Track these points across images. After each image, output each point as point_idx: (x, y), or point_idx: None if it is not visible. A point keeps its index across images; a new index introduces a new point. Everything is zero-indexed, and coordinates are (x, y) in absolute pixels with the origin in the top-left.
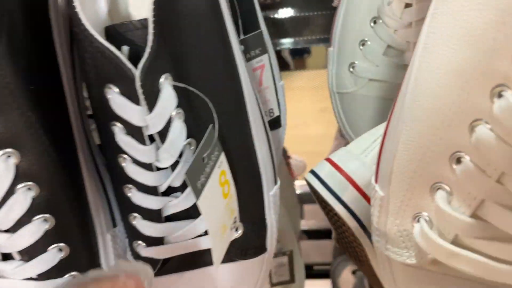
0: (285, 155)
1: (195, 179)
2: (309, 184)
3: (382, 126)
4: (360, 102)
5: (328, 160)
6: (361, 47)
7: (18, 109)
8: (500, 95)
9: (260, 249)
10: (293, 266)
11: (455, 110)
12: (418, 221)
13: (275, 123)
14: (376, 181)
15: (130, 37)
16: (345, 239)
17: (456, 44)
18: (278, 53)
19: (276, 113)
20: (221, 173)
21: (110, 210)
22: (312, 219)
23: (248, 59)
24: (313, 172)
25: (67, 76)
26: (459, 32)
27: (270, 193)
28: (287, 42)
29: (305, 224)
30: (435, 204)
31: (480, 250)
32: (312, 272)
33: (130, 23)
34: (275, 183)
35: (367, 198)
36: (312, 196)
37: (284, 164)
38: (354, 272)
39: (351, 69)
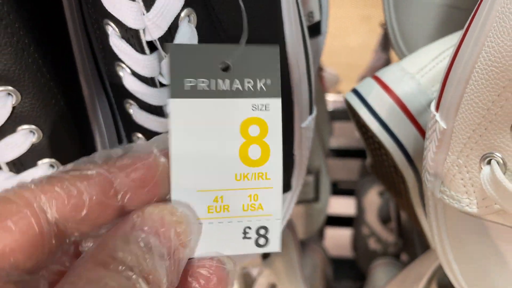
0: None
1: None
2: (349, 104)
3: (447, 40)
4: (420, 8)
5: (376, 78)
6: None
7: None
8: None
9: (284, 187)
10: (318, 185)
11: None
12: (489, 163)
13: (314, 30)
14: (437, 108)
15: None
16: (384, 169)
17: None
18: None
19: (317, 18)
20: None
21: (116, 128)
22: (341, 136)
23: None
24: (355, 91)
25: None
26: None
27: (303, 124)
28: None
29: (334, 141)
30: None
31: None
32: (337, 189)
33: None
34: (310, 112)
35: (419, 127)
36: (344, 113)
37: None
38: (381, 194)
39: None
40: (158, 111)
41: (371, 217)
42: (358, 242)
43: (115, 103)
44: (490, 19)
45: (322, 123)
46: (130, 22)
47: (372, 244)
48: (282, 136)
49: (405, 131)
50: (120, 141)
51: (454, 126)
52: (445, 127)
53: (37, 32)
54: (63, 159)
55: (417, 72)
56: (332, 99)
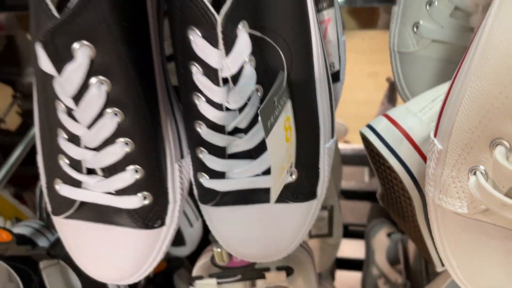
0: None
1: (267, 118)
2: (363, 137)
3: (442, 87)
4: (420, 63)
5: (385, 115)
6: (428, 7)
7: (112, 42)
8: None
9: (311, 195)
10: (332, 220)
11: None
12: (475, 173)
13: (334, 77)
14: (435, 135)
15: None
16: (392, 194)
17: None
18: None
19: (337, 68)
20: (286, 119)
21: (179, 143)
22: (350, 180)
23: (317, 11)
24: (369, 126)
25: (153, 16)
26: None
27: (326, 145)
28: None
29: (343, 184)
30: (493, 158)
31: None
32: (347, 232)
33: None
34: (332, 136)
35: (421, 154)
36: (352, 159)
37: None
38: (389, 235)
39: (415, 29)
40: (222, 129)
41: (380, 258)
42: (367, 282)
43: (185, 124)
44: (471, 69)
45: (335, 165)
46: (213, 63)
47: (381, 285)
48: (310, 153)
49: (411, 158)
50: (182, 155)
51: (448, 147)
52: (441, 148)
53: (137, 67)
54: (145, 165)
55: (419, 111)
56: (341, 147)
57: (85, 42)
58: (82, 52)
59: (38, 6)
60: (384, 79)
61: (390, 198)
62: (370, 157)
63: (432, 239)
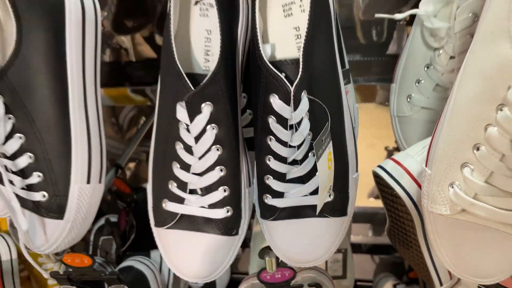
0: None
1: (318, 149)
2: (376, 175)
3: (429, 139)
4: (413, 124)
5: (391, 159)
6: (417, 84)
7: (223, 103)
8: (500, 110)
9: (343, 212)
10: (346, 263)
11: (476, 119)
12: (452, 187)
13: None
14: (426, 165)
15: (284, 69)
16: (398, 223)
17: (476, 80)
18: None
19: (353, 125)
20: (329, 153)
21: (249, 174)
22: (358, 235)
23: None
24: (380, 166)
25: (239, 87)
26: (478, 73)
27: (353, 176)
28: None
29: (352, 239)
30: (463, 176)
31: (487, 202)
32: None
33: (285, 61)
34: (356, 171)
35: (417, 183)
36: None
37: None
38: (394, 286)
39: (408, 100)
40: (285, 161)
41: None
42: None
43: (257, 159)
44: (445, 124)
45: None
46: (286, 115)
47: None
48: (342, 180)
49: (411, 186)
50: (250, 184)
51: (434, 171)
52: (430, 173)
53: (233, 118)
54: (231, 187)
55: (415, 154)
56: None
57: (208, 102)
58: (207, 108)
59: (178, 81)
60: (382, 149)
61: (395, 228)
62: (380, 191)
63: (431, 258)
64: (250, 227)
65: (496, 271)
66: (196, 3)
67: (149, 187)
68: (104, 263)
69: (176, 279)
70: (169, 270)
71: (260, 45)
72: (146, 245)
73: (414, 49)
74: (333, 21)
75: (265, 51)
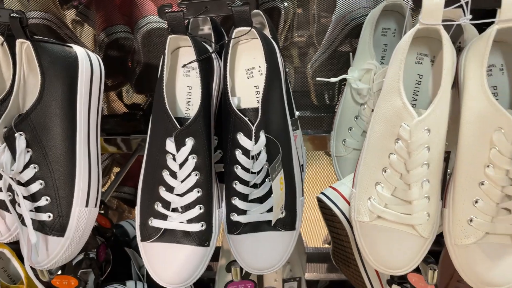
0: None
1: (272, 173)
2: (319, 199)
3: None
4: (348, 162)
5: (331, 186)
6: (349, 131)
7: (201, 138)
8: (397, 142)
9: (292, 227)
10: None
11: (382, 150)
12: (370, 200)
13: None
14: (353, 187)
15: (248, 114)
16: (338, 242)
17: (381, 123)
18: None
19: (302, 162)
20: (280, 178)
21: (219, 197)
22: (313, 272)
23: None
24: (322, 193)
25: (212, 128)
26: (381, 118)
27: (300, 198)
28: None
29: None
30: (377, 191)
31: (394, 209)
32: None
33: (248, 109)
34: (302, 195)
35: (348, 203)
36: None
37: None
38: None
39: (344, 143)
40: (247, 184)
41: None
42: None
43: (226, 183)
44: (362, 159)
45: (301, 252)
46: (249, 147)
47: None
48: (291, 201)
49: (344, 206)
50: (219, 206)
51: (358, 190)
52: (355, 191)
53: (208, 150)
54: (206, 205)
55: (347, 182)
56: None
57: (191, 137)
58: (189, 142)
59: (168, 123)
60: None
61: (337, 248)
62: (323, 214)
63: (365, 270)
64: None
65: (403, 264)
66: (183, 66)
67: (137, 208)
68: None
69: None
70: None
71: (230, 97)
72: (121, 277)
73: (346, 104)
74: (283, 82)
75: (234, 102)
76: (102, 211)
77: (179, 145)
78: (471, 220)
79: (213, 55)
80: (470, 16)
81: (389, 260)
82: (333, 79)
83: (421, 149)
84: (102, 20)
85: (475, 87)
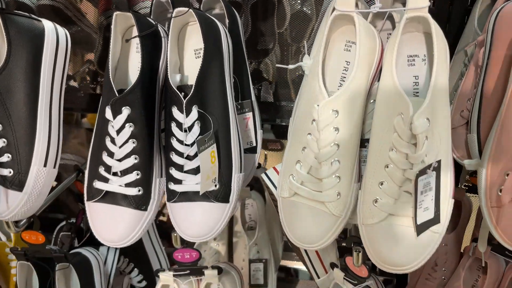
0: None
1: (200, 146)
2: (262, 179)
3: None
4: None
5: (274, 167)
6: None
7: (138, 108)
8: (313, 122)
9: (226, 199)
10: (267, 272)
11: (303, 129)
12: (290, 177)
13: (252, 149)
14: (281, 167)
15: (186, 90)
16: None
17: (301, 106)
18: None
19: (254, 144)
20: (212, 151)
21: (161, 167)
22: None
23: (242, 112)
24: (265, 173)
25: (158, 101)
26: (302, 101)
27: (236, 174)
28: None
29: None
30: (296, 170)
31: (308, 186)
32: None
33: (188, 85)
34: (240, 171)
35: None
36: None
37: (274, 206)
38: None
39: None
40: (182, 155)
41: None
42: None
43: (165, 154)
44: (289, 141)
45: (276, 237)
46: (181, 120)
47: None
48: (226, 175)
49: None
50: (161, 175)
51: (283, 169)
52: (281, 169)
53: (148, 120)
54: (143, 172)
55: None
56: None
57: (127, 106)
58: (125, 111)
59: (109, 92)
60: None
61: None
62: (269, 194)
63: (307, 255)
64: None
65: (316, 239)
66: (127, 41)
67: (86, 171)
68: (58, 250)
69: (118, 273)
70: (112, 262)
71: (169, 73)
72: (97, 241)
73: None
74: (225, 63)
75: (173, 78)
76: (81, 180)
77: (115, 113)
78: (376, 201)
79: (162, 33)
80: (380, 5)
81: (303, 235)
82: (290, 66)
83: (329, 128)
84: (103, 2)
85: (387, 74)
